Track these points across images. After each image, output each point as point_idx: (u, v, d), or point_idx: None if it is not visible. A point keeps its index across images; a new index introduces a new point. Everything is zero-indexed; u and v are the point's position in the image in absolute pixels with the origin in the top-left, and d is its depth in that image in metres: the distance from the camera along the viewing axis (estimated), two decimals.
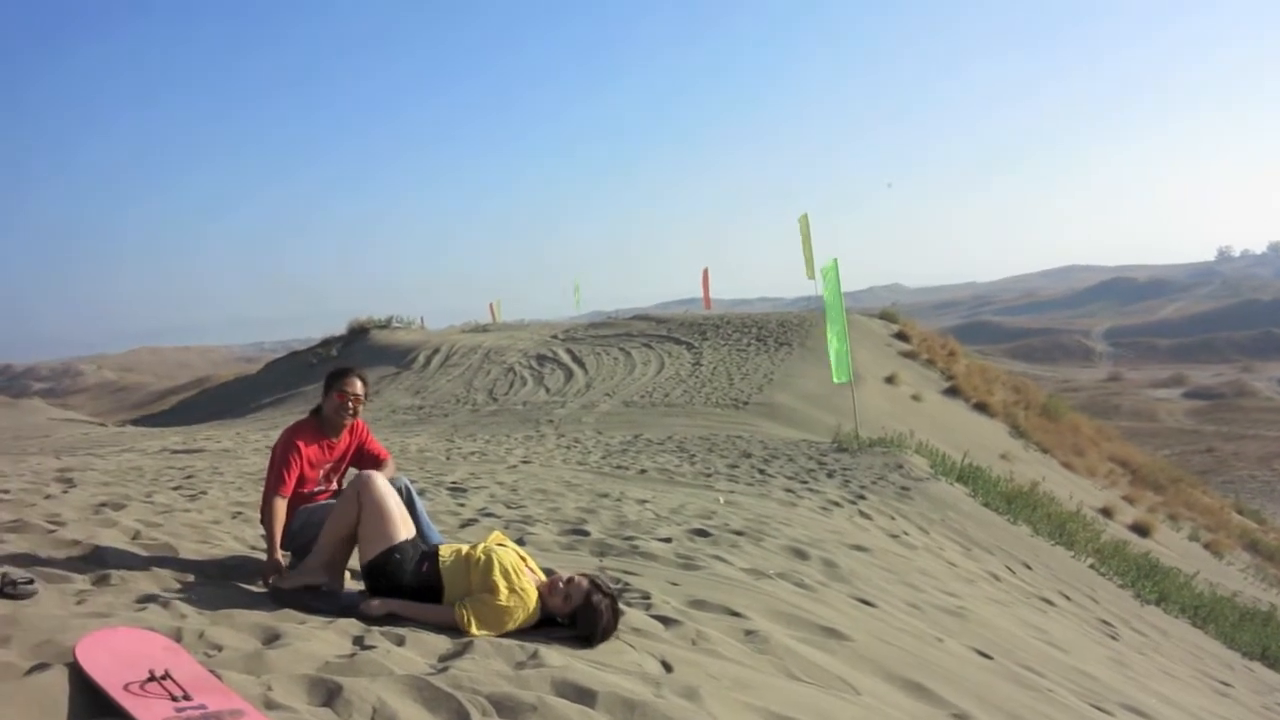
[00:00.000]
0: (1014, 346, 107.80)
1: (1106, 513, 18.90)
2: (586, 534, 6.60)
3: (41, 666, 2.86)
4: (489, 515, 7.15)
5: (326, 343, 33.50)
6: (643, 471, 10.94)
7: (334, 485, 4.91)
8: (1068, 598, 9.24)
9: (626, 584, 5.12)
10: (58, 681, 2.77)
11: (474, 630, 3.86)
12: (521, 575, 4.08)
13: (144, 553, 4.75)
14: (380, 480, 4.29)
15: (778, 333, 26.19)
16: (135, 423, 30.32)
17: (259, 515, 4.95)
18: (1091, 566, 11.83)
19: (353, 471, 4.82)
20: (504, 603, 3.94)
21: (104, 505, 6.04)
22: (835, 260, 15.70)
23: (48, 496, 6.34)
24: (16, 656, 2.98)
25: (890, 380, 23.18)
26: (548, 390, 21.76)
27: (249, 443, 13.61)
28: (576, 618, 4.00)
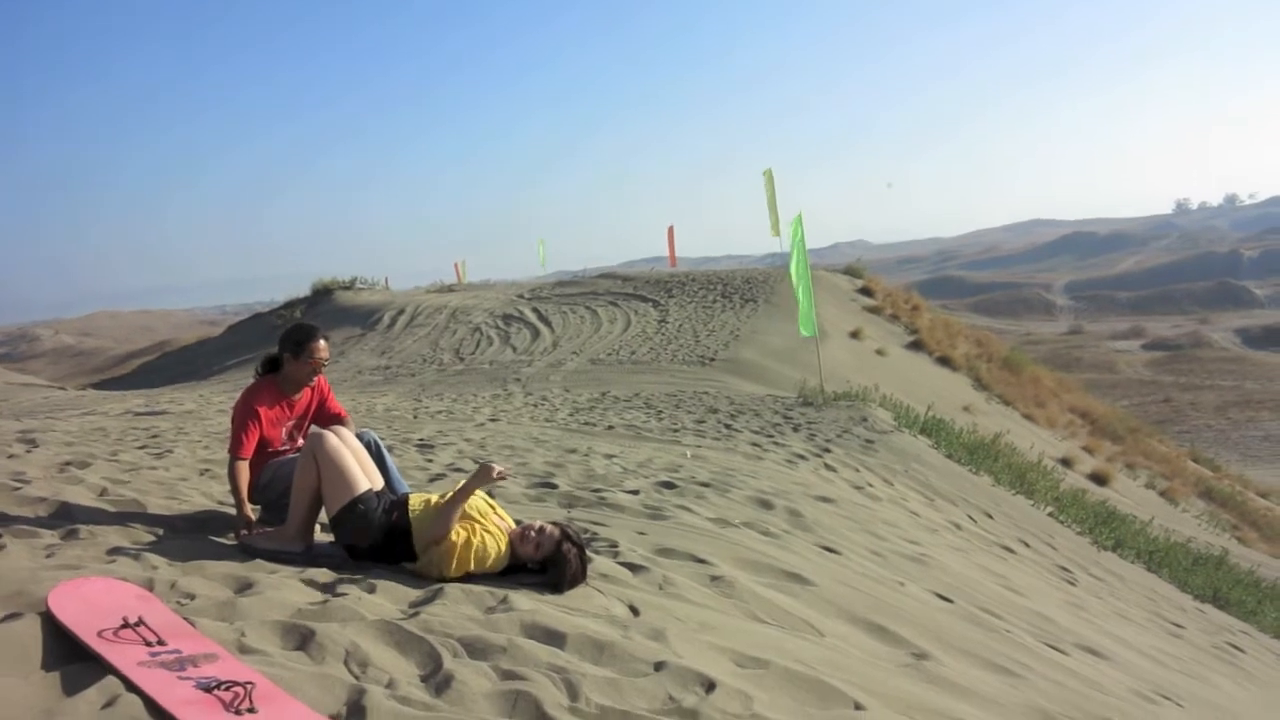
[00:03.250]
0: (977, 301, 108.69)
1: (1066, 462, 19.26)
2: (555, 487, 6.66)
3: (13, 616, 2.88)
4: (457, 470, 7.19)
5: (290, 304, 33.14)
6: (610, 428, 11.00)
7: (299, 442, 4.91)
8: (1027, 545, 9.45)
9: (595, 534, 5.20)
10: (30, 630, 2.80)
11: (447, 573, 3.93)
12: (488, 519, 4.15)
13: (112, 508, 4.74)
14: (331, 438, 4.30)
15: (743, 289, 26.25)
16: (96, 386, 29.90)
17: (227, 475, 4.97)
18: (1051, 515, 12.08)
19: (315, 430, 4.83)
20: (475, 545, 4.01)
21: (69, 464, 6.00)
22: (800, 214, 15.75)
23: (10, 456, 6.28)
24: None
25: (855, 335, 23.36)
26: (514, 349, 21.72)
27: (213, 404, 13.51)
28: (546, 566, 4.07)
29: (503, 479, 4.19)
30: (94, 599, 3.02)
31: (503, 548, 4.10)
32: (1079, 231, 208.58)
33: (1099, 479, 18.75)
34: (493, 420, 11.41)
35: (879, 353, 22.78)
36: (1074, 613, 7.01)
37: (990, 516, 10.10)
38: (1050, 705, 4.05)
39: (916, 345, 25.59)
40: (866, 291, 29.19)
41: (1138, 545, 12.22)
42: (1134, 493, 19.81)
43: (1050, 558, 9.34)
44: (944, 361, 25.16)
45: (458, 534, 3.99)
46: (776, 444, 10.48)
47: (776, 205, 20.73)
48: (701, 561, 4.89)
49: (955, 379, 24.29)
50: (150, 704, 2.46)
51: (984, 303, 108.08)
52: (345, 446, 4.32)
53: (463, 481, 4.19)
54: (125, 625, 2.85)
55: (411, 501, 4.22)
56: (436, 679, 2.90)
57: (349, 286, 33.01)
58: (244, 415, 4.63)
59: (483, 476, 4.14)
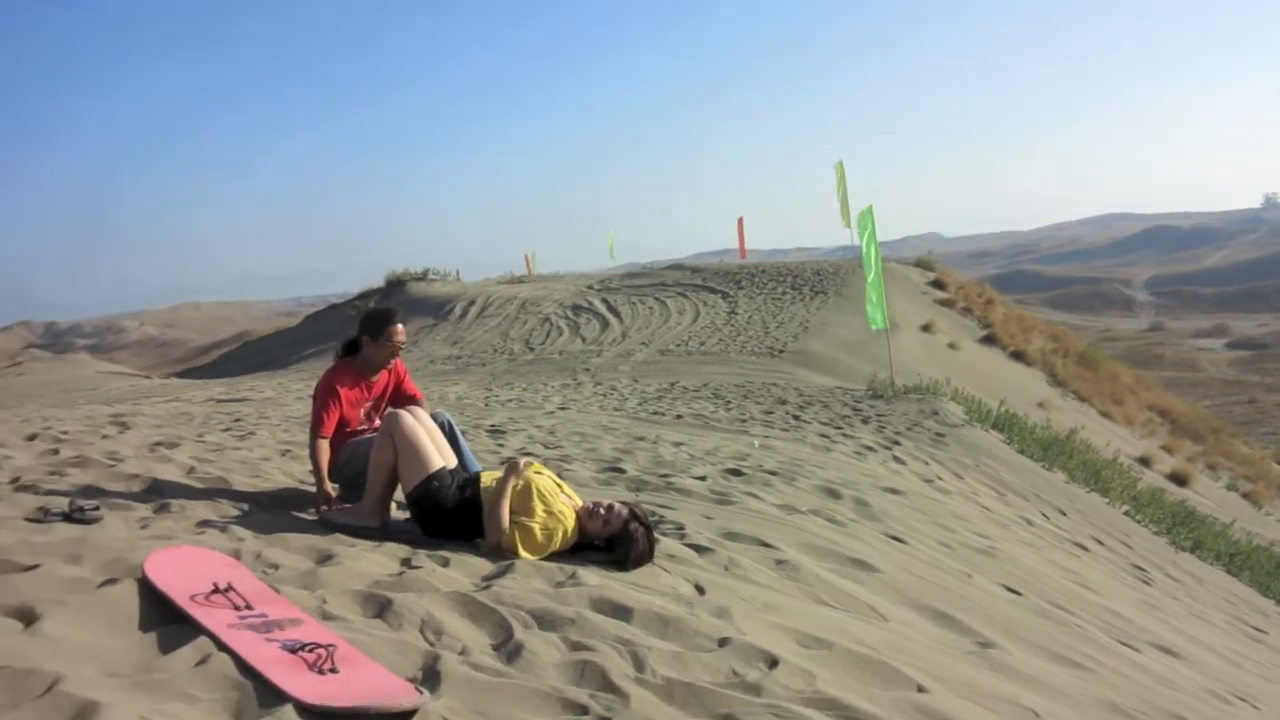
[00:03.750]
0: (1053, 296, 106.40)
1: (1144, 461, 18.83)
2: (623, 471, 6.76)
3: (112, 581, 3.05)
4: (528, 455, 7.32)
5: (364, 295, 33.79)
6: (678, 417, 11.07)
7: (376, 423, 5.07)
8: (1101, 543, 9.30)
9: (662, 516, 5.28)
10: (128, 593, 2.96)
11: (520, 552, 4.04)
12: (557, 499, 4.25)
13: (199, 485, 4.97)
14: (407, 417, 4.44)
15: (813, 281, 26.10)
16: (179, 375, 30.87)
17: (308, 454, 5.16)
18: (1126, 513, 11.84)
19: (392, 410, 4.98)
20: (543, 524, 4.12)
21: (159, 444, 6.26)
22: (870, 206, 15.63)
23: (105, 436, 6.58)
24: (89, 572, 3.18)
25: (926, 328, 23.08)
26: (584, 340, 21.91)
27: (291, 391, 13.90)
28: (613, 543, 4.17)
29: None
30: (186, 566, 3.19)
31: (569, 526, 4.20)
32: (1161, 225, 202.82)
33: (1178, 479, 18.30)
34: (562, 409, 11.56)
35: (951, 346, 22.49)
36: (1148, 611, 6.89)
37: (1063, 513, 9.95)
38: (1120, 699, 4.02)
39: (989, 340, 25.21)
40: (938, 284, 28.81)
41: (1218, 547, 11.91)
42: (1215, 494, 19.28)
43: (1125, 556, 9.18)
44: (1018, 356, 24.75)
45: (510, 529, 4.10)
46: (845, 435, 10.46)
47: (847, 197, 20.62)
48: (767, 545, 4.94)
49: (1029, 374, 23.89)
50: (240, 663, 2.59)
51: (1061, 298, 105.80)
52: (420, 426, 4.46)
53: (496, 483, 4.29)
54: (215, 590, 3.00)
55: (484, 479, 4.35)
56: (508, 648, 3.00)
57: (421, 278, 33.53)
58: (325, 395, 4.80)
59: (512, 473, 4.28)
